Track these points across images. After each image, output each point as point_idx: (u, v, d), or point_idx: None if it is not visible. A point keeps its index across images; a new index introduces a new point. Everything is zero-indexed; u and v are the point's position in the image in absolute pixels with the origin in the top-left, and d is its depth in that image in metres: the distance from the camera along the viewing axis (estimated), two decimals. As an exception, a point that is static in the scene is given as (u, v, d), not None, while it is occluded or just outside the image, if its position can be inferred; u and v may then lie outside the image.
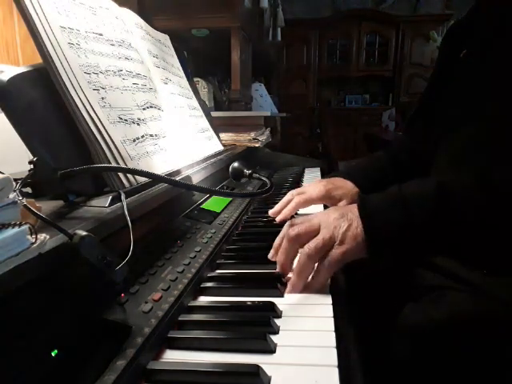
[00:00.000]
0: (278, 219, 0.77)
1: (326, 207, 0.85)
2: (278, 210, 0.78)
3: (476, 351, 0.53)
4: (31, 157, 0.45)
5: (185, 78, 1.06)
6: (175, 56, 1.05)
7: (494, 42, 0.64)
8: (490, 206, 0.48)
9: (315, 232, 0.52)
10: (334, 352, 0.38)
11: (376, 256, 0.51)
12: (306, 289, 0.51)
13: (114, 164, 0.57)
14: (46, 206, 0.47)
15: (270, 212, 0.79)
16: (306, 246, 0.51)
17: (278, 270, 0.55)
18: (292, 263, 0.55)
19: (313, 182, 0.85)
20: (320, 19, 5.05)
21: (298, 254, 0.53)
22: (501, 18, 0.64)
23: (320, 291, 0.51)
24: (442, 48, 0.80)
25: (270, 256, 0.58)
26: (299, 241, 0.53)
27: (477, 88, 0.64)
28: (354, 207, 0.53)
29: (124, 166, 0.58)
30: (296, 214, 0.83)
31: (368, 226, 0.50)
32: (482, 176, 0.50)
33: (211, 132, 1.11)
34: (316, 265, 0.52)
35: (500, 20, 0.64)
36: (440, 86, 0.78)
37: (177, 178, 0.63)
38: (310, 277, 0.52)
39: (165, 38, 1.02)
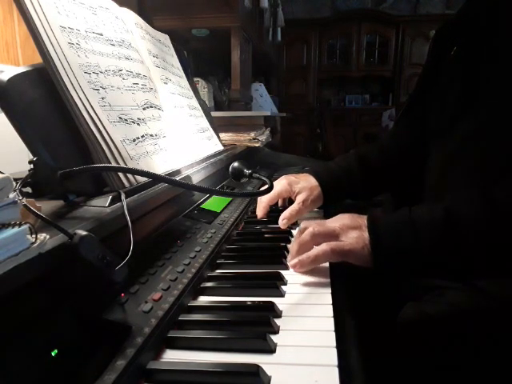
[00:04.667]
0: (258, 217, 0.85)
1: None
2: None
3: (473, 347, 0.53)
4: (31, 157, 0.45)
5: (185, 78, 1.06)
6: (175, 56, 1.05)
7: (485, 40, 0.64)
8: (495, 231, 0.50)
9: (333, 234, 0.57)
10: (334, 352, 0.38)
11: (380, 270, 0.54)
12: (302, 262, 0.55)
13: (113, 164, 0.57)
14: (46, 206, 0.47)
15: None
16: (312, 227, 0.57)
17: (289, 258, 0.59)
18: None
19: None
20: (320, 19, 5.05)
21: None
22: (493, 14, 0.64)
23: (321, 284, 0.54)
24: (432, 47, 0.80)
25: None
26: (316, 239, 0.57)
27: (468, 86, 0.64)
28: (365, 220, 0.56)
29: (124, 166, 0.58)
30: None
31: (375, 243, 0.53)
32: (486, 199, 0.51)
33: (211, 132, 1.11)
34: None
35: (492, 16, 0.64)
36: (430, 85, 0.78)
37: (177, 178, 0.63)
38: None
39: (165, 38, 1.02)
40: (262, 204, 0.84)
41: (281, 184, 0.84)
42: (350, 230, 0.56)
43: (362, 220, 0.57)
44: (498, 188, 0.52)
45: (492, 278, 0.57)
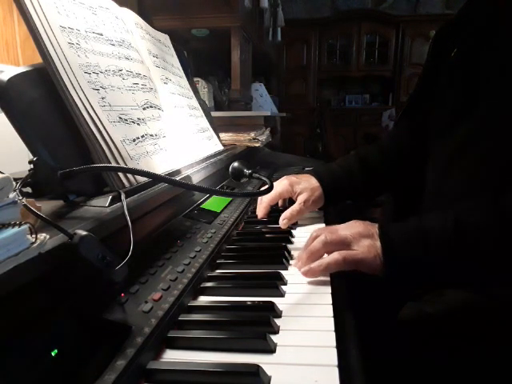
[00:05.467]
0: (259, 217, 0.84)
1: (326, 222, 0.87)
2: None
3: (473, 347, 0.53)
4: (31, 157, 0.45)
5: (185, 78, 1.06)
6: (175, 56, 1.05)
7: (485, 41, 0.64)
8: (505, 240, 0.50)
9: (345, 242, 0.56)
10: (334, 352, 0.38)
11: (391, 279, 0.55)
12: (313, 269, 0.55)
13: (113, 164, 0.57)
14: (46, 206, 0.47)
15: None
16: (324, 235, 0.57)
17: (298, 264, 0.58)
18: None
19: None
20: (320, 19, 5.04)
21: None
22: (492, 16, 0.64)
23: (321, 285, 0.54)
24: (432, 48, 0.80)
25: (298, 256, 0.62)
26: (328, 247, 0.57)
27: (468, 86, 0.64)
28: (376, 228, 0.57)
29: (124, 166, 0.58)
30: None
31: (387, 252, 0.53)
32: (497, 207, 0.51)
33: (211, 132, 1.11)
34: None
35: (492, 18, 0.64)
36: (429, 85, 0.78)
37: (177, 178, 0.63)
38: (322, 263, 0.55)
39: (165, 38, 1.02)
40: (263, 204, 0.84)
41: (282, 184, 0.83)
42: (362, 239, 0.56)
43: (374, 228, 0.57)
44: (509, 197, 0.51)
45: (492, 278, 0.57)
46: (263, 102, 2.81)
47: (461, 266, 0.52)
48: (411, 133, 0.85)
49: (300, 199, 0.80)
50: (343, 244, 0.56)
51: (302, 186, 0.83)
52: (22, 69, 0.52)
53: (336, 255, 0.54)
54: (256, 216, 0.85)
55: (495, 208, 0.51)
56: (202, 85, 2.04)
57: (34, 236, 0.33)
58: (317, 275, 0.55)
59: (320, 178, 0.84)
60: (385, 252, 0.53)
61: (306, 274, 0.56)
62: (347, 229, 0.58)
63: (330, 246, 0.56)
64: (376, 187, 0.90)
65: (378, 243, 0.54)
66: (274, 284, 0.52)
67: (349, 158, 0.90)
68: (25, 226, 0.32)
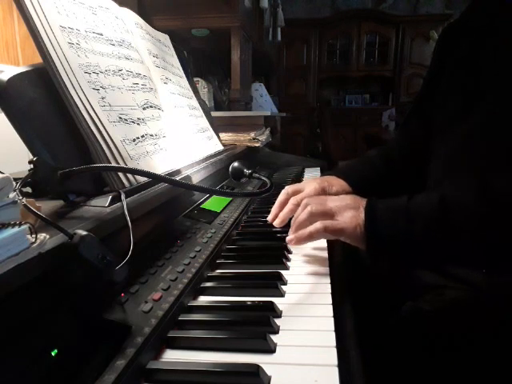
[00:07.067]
0: (276, 224, 0.71)
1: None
2: (275, 214, 0.73)
3: (473, 346, 0.54)
4: (31, 157, 0.45)
5: (185, 78, 1.06)
6: (175, 56, 1.05)
7: (486, 42, 0.64)
8: (489, 220, 0.49)
9: (329, 213, 0.58)
10: (334, 352, 0.38)
11: (373, 253, 0.55)
12: (298, 237, 0.58)
13: (113, 164, 0.57)
14: (46, 206, 0.47)
15: (269, 218, 0.74)
16: (310, 206, 0.59)
17: (288, 237, 0.60)
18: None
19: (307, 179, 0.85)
20: (320, 19, 5.05)
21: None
22: (493, 17, 0.64)
23: (321, 288, 0.52)
24: (437, 48, 0.80)
25: (269, 218, 0.70)
26: (312, 218, 0.58)
27: (471, 88, 0.64)
28: (365, 202, 0.58)
29: (124, 166, 0.58)
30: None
31: (369, 225, 0.54)
32: (483, 187, 0.51)
33: (211, 132, 1.11)
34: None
35: (493, 20, 0.64)
36: (435, 85, 0.78)
37: (177, 178, 0.63)
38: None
39: (165, 38, 1.02)
40: (290, 207, 0.69)
41: (313, 189, 0.77)
42: (348, 210, 0.57)
43: (362, 202, 0.58)
44: (496, 177, 0.51)
45: (491, 277, 0.57)
46: (263, 102, 2.81)
47: (444, 244, 0.52)
48: (416, 132, 0.84)
49: None
50: (327, 215, 0.58)
51: (335, 190, 0.79)
52: (21, 69, 0.52)
53: (318, 224, 0.56)
54: (256, 216, 0.85)
55: (482, 188, 0.51)
56: (201, 85, 2.04)
57: (33, 236, 0.33)
58: (301, 243, 0.59)
59: (350, 181, 0.82)
60: (367, 224, 0.54)
61: (290, 242, 0.59)
62: (336, 200, 0.60)
63: (315, 217, 0.58)
64: (397, 184, 0.89)
65: (362, 214, 0.55)
66: (274, 284, 0.52)
67: (370, 157, 0.89)
68: (25, 226, 0.32)
